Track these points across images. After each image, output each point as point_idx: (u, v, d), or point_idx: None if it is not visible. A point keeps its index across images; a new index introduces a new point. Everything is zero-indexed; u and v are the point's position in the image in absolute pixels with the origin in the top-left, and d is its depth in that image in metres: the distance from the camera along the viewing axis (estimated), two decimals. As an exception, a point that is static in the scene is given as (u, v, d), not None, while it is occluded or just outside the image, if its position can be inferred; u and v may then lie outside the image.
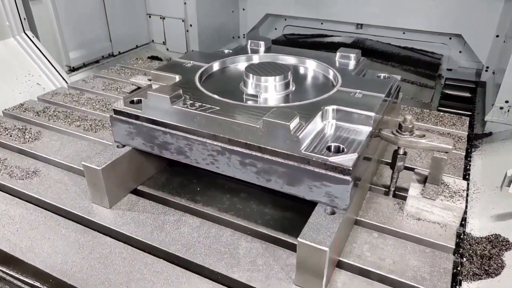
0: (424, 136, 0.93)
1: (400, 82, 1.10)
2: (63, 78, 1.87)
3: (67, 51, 2.15)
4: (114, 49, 2.41)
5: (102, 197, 0.98)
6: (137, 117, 0.95)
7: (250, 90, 1.00)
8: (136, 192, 1.06)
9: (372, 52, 2.53)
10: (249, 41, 1.28)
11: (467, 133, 1.32)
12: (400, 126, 0.93)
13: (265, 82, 0.99)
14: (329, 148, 0.81)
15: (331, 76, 1.09)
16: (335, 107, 0.89)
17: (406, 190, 1.05)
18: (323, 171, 0.78)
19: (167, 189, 1.05)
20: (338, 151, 0.80)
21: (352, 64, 1.14)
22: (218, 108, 0.89)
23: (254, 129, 0.82)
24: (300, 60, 1.19)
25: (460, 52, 2.62)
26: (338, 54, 1.16)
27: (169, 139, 0.93)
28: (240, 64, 1.19)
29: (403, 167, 0.98)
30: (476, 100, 2.42)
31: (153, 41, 2.67)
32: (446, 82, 2.61)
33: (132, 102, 0.99)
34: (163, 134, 0.93)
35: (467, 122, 1.38)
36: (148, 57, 2.55)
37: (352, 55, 1.14)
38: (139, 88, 1.17)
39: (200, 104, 0.91)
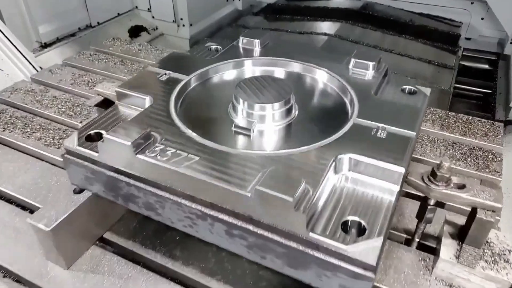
0: (464, 187, 0.72)
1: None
2: (29, 62, 1.62)
3: (36, 25, 1.88)
4: (92, 20, 2.13)
5: (56, 257, 0.78)
6: (94, 161, 0.74)
7: (241, 119, 0.78)
8: (102, 240, 0.87)
9: (382, 21, 2.25)
10: (241, 38, 1.02)
11: (503, 146, 1.10)
12: (433, 174, 0.72)
13: (260, 111, 0.77)
14: (345, 226, 0.60)
15: (344, 98, 0.86)
16: (351, 155, 0.67)
17: (433, 237, 0.86)
18: (337, 262, 0.58)
19: (139, 237, 0.85)
20: (358, 231, 0.60)
21: (370, 74, 0.90)
22: (198, 158, 0.67)
23: (245, 198, 0.61)
24: (305, 69, 0.95)
25: (482, 19, 2.34)
26: (352, 61, 0.92)
27: (135, 192, 0.72)
28: (228, 73, 0.95)
29: (432, 219, 0.78)
30: (498, 76, 2.17)
31: (136, 7, 2.37)
32: (464, 53, 2.34)
33: (88, 137, 0.76)
34: (126, 185, 0.72)
35: (502, 131, 1.16)
36: (131, 28, 2.27)
37: (371, 64, 0.90)
38: (104, 102, 0.94)
39: (173, 150, 0.69)
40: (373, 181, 0.67)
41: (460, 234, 0.78)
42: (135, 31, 2.29)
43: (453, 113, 1.23)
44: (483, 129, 1.17)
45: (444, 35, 2.19)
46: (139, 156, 0.67)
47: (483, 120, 1.20)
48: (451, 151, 1.08)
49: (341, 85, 0.87)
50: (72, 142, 0.75)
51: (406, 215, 0.91)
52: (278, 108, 0.77)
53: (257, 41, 1.01)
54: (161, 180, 0.67)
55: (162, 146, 0.69)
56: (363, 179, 0.67)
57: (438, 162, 0.71)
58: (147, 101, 0.82)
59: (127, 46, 1.61)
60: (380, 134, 0.72)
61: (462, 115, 1.22)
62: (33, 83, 1.39)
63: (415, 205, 0.91)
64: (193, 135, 0.73)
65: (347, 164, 0.68)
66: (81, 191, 0.81)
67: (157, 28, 2.37)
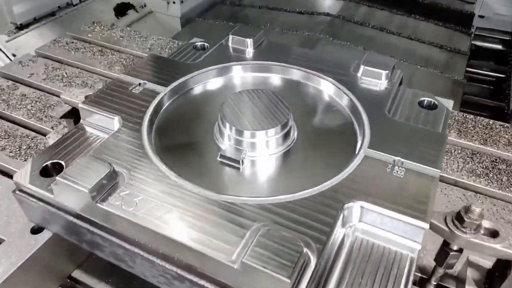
0: (497, 234, 0.60)
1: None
2: (2, 51, 1.47)
3: (10, 4, 1.71)
4: (74, -4, 1.95)
5: (12, 308, 0.67)
6: (50, 203, 0.61)
7: (228, 146, 0.65)
8: (70, 278, 0.75)
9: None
10: (231, 37, 0.87)
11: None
12: (460, 218, 0.60)
13: (251, 138, 0.63)
14: (354, 303, 0.48)
15: (353, 118, 0.72)
16: (362, 204, 0.55)
17: (450, 276, 0.75)
18: None
19: (112, 278, 0.74)
20: (370, 311, 0.48)
21: (383, 85, 0.76)
22: (172, 208, 0.54)
23: (230, 269, 0.49)
24: (305, 77, 0.80)
25: (497, -5, 2.16)
26: (362, 68, 0.78)
27: (99, 241, 0.59)
28: (214, 82, 0.81)
29: (455, 265, 0.66)
30: (512, 60, 2.02)
31: (122, -18, 2.18)
32: (476, 33, 2.18)
33: (44, 171, 0.63)
34: (89, 232, 0.59)
35: (528, 138, 1.02)
36: (118, 6, 2.09)
37: (383, 73, 0.76)
38: (73, 112, 0.80)
39: (141, 197, 0.56)
40: (389, 236, 0.55)
41: (487, 281, 0.66)
42: (122, 9, 2.11)
43: (472, 117, 1.09)
44: (506, 136, 1.03)
45: (457, 14, 2.02)
46: (99, 205, 0.54)
47: (506, 125, 1.07)
48: (470, 164, 0.95)
49: (348, 101, 0.73)
50: (23, 177, 0.62)
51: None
52: (273, 135, 0.64)
53: (249, 41, 0.85)
54: (127, 234, 0.55)
55: (128, 191, 0.56)
56: (377, 233, 0.55)
57: (467, 205, 0.59)
58: (116, 122, 0.68)
59: (108, 32, 1.45)
60: (397, 172, 0.59)
61: (481, 118, 1.09)
62: (0, 77, 1.24)
63: (432, 234, 0.80)
64: (168, 172, 0.59)
65: (358, 214, 0.55)
66: (40, 229, 0.68)
67: (145, 5, 2.19)
